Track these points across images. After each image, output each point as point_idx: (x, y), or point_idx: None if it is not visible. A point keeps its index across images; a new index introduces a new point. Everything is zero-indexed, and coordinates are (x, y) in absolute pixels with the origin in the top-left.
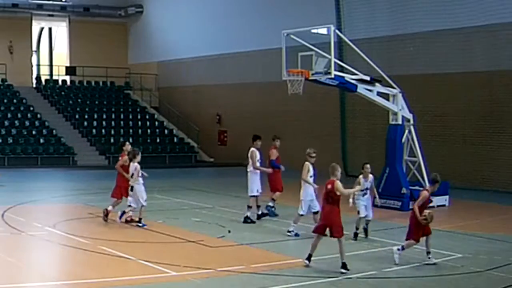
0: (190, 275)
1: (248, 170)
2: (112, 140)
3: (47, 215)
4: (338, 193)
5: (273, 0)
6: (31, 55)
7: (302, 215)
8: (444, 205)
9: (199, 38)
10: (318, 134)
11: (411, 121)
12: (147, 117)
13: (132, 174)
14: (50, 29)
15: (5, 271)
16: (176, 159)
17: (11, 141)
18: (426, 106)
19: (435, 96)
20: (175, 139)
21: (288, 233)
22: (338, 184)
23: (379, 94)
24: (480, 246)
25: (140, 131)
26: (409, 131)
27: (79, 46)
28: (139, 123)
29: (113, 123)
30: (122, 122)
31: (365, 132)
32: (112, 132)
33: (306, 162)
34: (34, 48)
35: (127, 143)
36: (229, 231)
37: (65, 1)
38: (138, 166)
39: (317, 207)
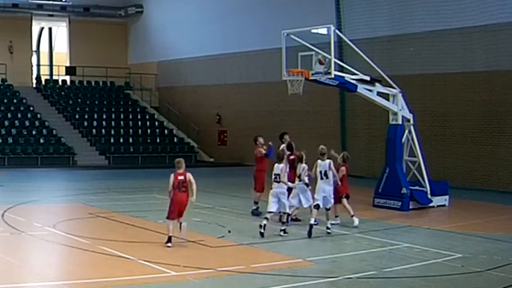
0: (190, 275)
1: None
2: (112, 140)
3: (47, 215)
4: None
5: (273, 0)
6: (31, 55)
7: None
8: (444, 205)
9: (199, 38)
10: (318, 134)
11: (411, 121)
12: (147, 117)
13: (300, 175)
14: (50, 29)
15: (5, 271)
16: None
17: (11, 141)
18: (426, 106)
19: (435, 96)
20: (175, 139)
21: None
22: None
23: (379, 94)
24: (480, 246)
25: (140, 131)
26: (409, 131)
27: (79, 46)
28: (139, 123)
29: (113, 123)
30: (122, 122)
31: (365, 132)
32: (112, 132)
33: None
34: (34, 48)
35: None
36: (229, 231)
37: (65, 1)
38: (306, 167)
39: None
